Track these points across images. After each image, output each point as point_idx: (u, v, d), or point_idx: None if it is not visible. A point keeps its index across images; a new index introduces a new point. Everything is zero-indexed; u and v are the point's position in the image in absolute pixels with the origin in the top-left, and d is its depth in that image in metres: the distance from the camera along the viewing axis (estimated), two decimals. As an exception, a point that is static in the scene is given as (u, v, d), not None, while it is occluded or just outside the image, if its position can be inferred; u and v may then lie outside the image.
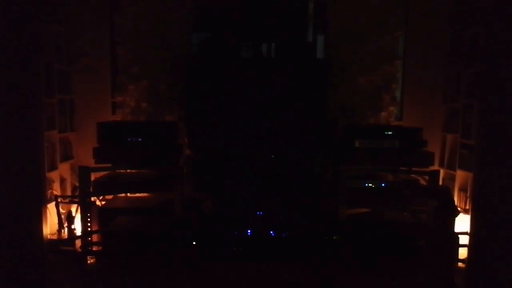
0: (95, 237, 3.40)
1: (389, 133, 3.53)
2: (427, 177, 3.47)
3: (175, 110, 3.96)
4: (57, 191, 3.82)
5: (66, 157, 4.03)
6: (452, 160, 3.97)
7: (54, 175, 3.80)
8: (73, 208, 3.79)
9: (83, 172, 3.34)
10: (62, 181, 3.97)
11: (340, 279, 3.12)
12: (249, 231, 3.42)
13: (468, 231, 3.20)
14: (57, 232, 3.73)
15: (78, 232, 3.59)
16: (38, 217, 2.88)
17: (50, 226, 3.57)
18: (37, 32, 2.91)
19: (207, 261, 3.28)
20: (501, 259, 2.74)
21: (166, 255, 3.24)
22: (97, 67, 4.02)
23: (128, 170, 3.75)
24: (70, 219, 3.67)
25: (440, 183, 3.73)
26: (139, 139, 3.47)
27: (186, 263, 3.23)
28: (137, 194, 3.86)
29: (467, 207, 3.67)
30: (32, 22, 2.79)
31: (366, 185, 3.56)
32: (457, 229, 3.38)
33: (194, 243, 3.31)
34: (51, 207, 3.68)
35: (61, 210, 3.74)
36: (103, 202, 3.76)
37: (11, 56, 2.66)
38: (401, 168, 3.56)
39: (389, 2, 3.98)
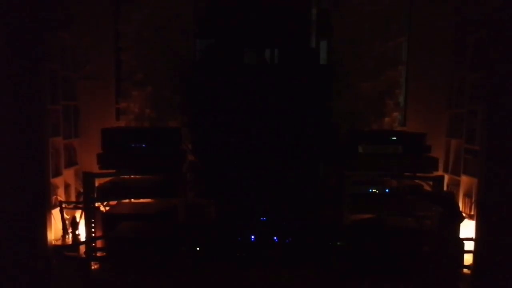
0: (99, 243, 3.41)
1: (393, 138, 3.52)
2: (431, 183, 3.45)
3: (178, 116, 3.98)
4: (61, 197, 3.83)
5: (70, 163, 4.04)
6: (456, 166, 3.95)
7: (58, 181, 3.81)
8: (77, 213, 3.80)
9: (87, 178, 3.35)
10: (67, 187, 3.99)
11: (344, 285, 3.10)
12: (252, 236, 3.41)
13: (473, 237, 3.18)
14: (61, 238, 3.73)
15: (82, 237, 3.60)
16: (43, 223, 2.89)
17: (54, 231, 3.58)
18: (42, 39, 2.93)
19: (210, 267, 3.27)
20: (507, 265, 2.72)
21: (170, 261, 3.24)
22: (102, 74, 4.05)
23: (132, 176, 3.76)
24: (74, 224, 3.68)
25: (445, 188, 3.71)
26: (143, 145, 3.48)
27: (190, 269, 3.23)
28: (141, 200, 3.87)
29: (472, 213, 3.65)
30: (37, 29, 2.82)
31: (370, 190, 3.55)
32: (462, 235, 3.36)
33: (197, 248, 3.31)
34: (56, 212, 3.69)
35: (65, 215, 3.75)
36: (107, 208, 3.77)
37: (16, 63, 2.69)
38: (405, 173, 3.55)
39: (392, 7, 3.99)
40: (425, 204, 3.41)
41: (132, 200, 3.90)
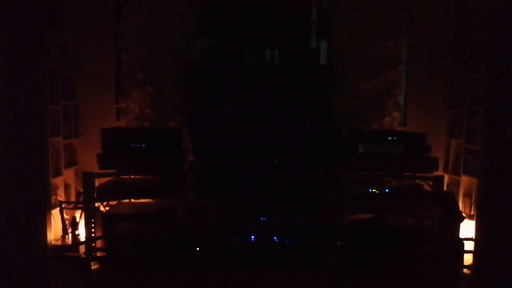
0: (99, 243, 3.41)
1: (393, 138, 3.52)
2: (431, 183, 3.46)
3: (178, 116, 3.98)
4: (61, 197, 3.83)
5: (70, 163, 4.04)
6: (456, 166, 3.95)
7: (58, 181, 3.81)
8: (77, 214, 3.80)
9: (87, 178, 3.35)
10: (67, 187, 3.99)
11: (344, 285, 3.10)
12: (252, 237, 3.41)
13: (473, 237, 3.18)
14: (61, 238, 3.73)
15: (82, 238, 3.60)
16: (42, 223, 2.88)
17: (54, 231, 3.58)
18: (42, 39, 2.93)
19: (210, 267, 3.27)
20: (507, 265, 2.72)
21: (170, 261, 3.24)
22: (102, 74, 4.04)
23: (132, 176, 3.77)
24: (74, 225, 3.68)
25: (445, 188, 3.71)
26: (143, 145, 3.48)
27: (190, 269, 3.23)
28: (141, 200, 3.87)
29: (472, 213, 3.65)
30: (36, 29, 2.82)
31: (370, 190, 3.55)
32: (462, 235, 3.36)
33: (197, 249, 3.31)
34: (55, 213, 3.69)
35: (65, 216, 3.75)
36: (107, 208, 3.77)
37: (16, 63, 2.68)
38: (405, 173, 3.55)
39: (392, 7, 3.99)
40: (425, 204, 3.41)
41: (132, 200, 3.90)
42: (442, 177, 3.51)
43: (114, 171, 3.49)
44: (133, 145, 3.48)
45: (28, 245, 2.78)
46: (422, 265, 3.17)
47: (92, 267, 3.30)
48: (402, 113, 4.15)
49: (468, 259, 3.25)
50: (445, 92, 4.14)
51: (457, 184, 3.91)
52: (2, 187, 2.68)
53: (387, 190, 3.56)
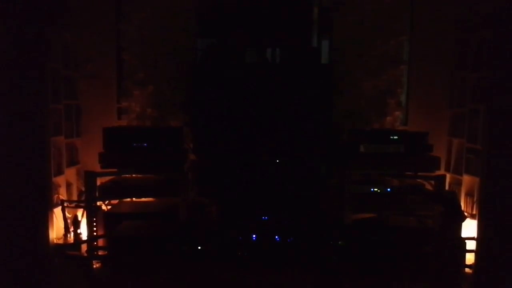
0: (100, 242, 3.42)
1: (395, 137, 3.52)
2: (433, 182, 3.45)
3: (180, 115, 3.98)
4: (63, 195, 3.84)
5: (72, 162, 4.05)
6: (458, 165, 3.94)
7: (60, 180, 3.82)
8: (79, 212, 3.80)
9: (89, 177, 3.36)
10: (68, 186, 3.99)
11: (345, 284, 3.10)
12: (254, 236, 3.41)
13: (475, 236, 3.17)
14: (63, 237, 3.74)
15: (84, 236, 3.60)
16: (44, 222, 2.89)
17: (56, 230, 3.59)
18: (43, 38, 2.94)
19: (211, 266, 3.27)
20: (509, 265, 2.71)
21: (171, 260, 3.24)
22: (103, 73, 4.05)
23: (134, 175, 3.77)
24: (76, 223, 3.68)
25: (447, 188, 3.71)
26: (145, 144, 3.49)
27: (191, 268, 3.23)
28: (143, 199, 3.87)
29: (474, 212, 3.64)
30: (38, 28, 2.82)
31: (372, 190, 3.54)
32: (463, 234, 3.36)
33: (199, 248, 3.31)
34: (57, 211, 3.70)
35: (67, 214, 3.76)
36: (108, 207, 3.77)
37: (17, 62, 2.69)
38: (407, 173, 3.55)
39: (393, 6, 3.98)
40: (426, 203, 3.41)
41: (134, 199, 3.90)
42: (444, 177, 3.50)
43: (115, 170, 3.49)
44: (134, 144, 3.48)
45: (30, 243, 2.79)
46: (423, 264, 3.16)
47: (94, 266, 3.31)
48: (403, 112, 4.14)
49: (470, 258, 3.24)
50: (447, 91, 4.12)
51: (459, 183, 3.90)
52: (4, 186, 2.69)
53: (388, 190, 3.56)
